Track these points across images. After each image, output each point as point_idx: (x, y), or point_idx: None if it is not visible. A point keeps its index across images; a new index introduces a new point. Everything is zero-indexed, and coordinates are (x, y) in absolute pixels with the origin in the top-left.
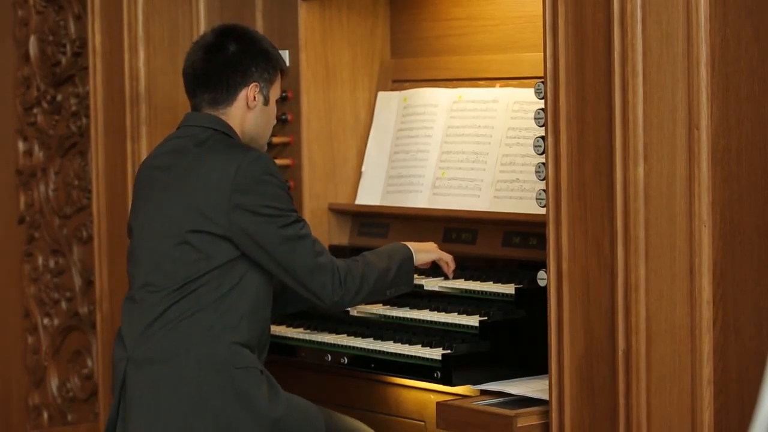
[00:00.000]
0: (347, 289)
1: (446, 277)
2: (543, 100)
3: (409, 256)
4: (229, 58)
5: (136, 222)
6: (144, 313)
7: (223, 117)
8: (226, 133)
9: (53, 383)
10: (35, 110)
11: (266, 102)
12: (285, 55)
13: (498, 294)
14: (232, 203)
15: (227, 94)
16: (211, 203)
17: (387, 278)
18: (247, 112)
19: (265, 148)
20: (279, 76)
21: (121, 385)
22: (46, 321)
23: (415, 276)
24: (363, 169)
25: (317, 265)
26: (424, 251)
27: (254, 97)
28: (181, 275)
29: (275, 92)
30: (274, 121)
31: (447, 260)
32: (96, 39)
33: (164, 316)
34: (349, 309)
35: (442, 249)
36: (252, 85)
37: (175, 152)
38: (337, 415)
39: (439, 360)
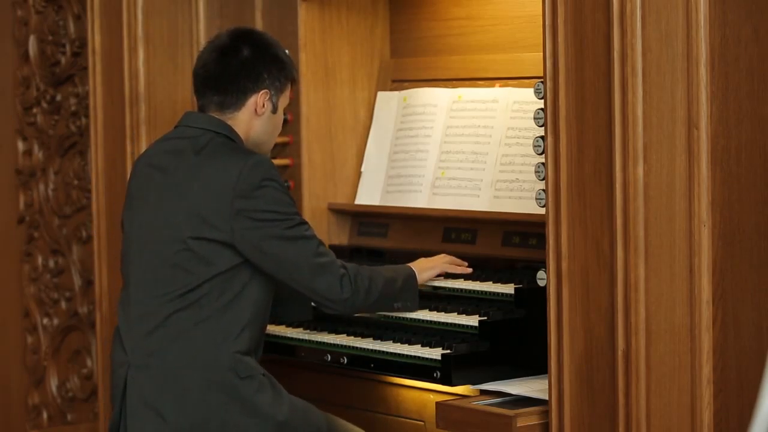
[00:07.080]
0: (357, 288)
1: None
2: (543, 100)
3: (412, 274)
4: (242, 63)
5: (131, 219)
6: (144, 319)
7: (229, 121)
8: (226, 135)
9: (53, 383)
10: (35, 110)
11: (274, 110)
12: None
13: (498, 294)
14: (234, 209)
15: (236, 99)
16: (213, 209)
17: (394, 287)
18: (255, 118)
19: (269, 154)
20: (290, 85)
21: (123, 389)
22: (45, 321)
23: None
24: (362, 168)
25: (322, 265)
26: (427, 269)
27: (263, 105)
28: (181, 282)
29: (284, 101)
30: (280, 130)
31: (456, 263)
32: (95, 39)
33: (167, 324)
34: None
35: (441, 249)
36: (262, 92)
37: (175, 153)
38: (338, 420)
39: (439, 360)
